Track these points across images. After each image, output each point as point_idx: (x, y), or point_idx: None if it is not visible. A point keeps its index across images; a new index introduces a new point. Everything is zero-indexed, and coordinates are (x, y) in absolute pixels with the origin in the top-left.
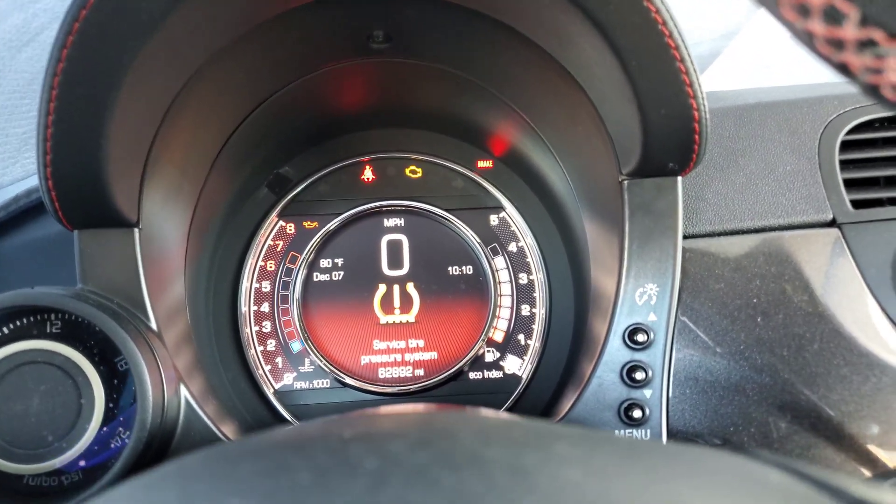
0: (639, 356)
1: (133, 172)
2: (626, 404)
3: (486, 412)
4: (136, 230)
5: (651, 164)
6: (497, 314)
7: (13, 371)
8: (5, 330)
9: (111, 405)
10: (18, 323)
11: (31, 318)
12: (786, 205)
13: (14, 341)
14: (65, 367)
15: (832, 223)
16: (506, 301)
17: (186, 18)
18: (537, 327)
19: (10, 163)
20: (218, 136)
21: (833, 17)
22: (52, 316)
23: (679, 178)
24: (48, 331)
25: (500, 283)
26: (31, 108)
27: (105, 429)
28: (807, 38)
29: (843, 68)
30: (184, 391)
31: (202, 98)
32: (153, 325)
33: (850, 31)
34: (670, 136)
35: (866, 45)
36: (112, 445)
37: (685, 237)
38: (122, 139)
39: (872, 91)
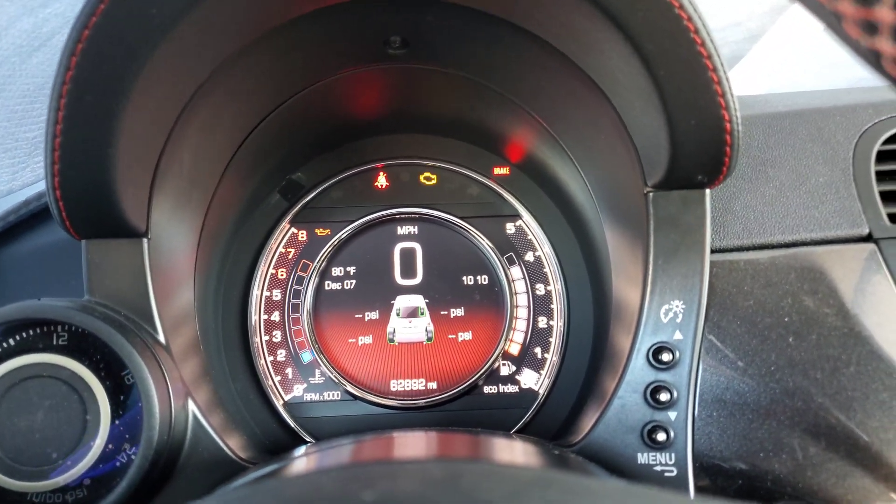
0: (663, 376)
1: (142, 181)
2: (649, 426)
3: (513, 460)
4: (144, 240)
5: (678, 175)
6: (513, 326)
7: (18, 385)
8: (11, 342)
9: (117, 421)
10: (24, 335)
11: (37, 331)
12: (818, 218)
13: (19, 354)
14: (70, 381)
15: (868, 238)
16: (522, 312)
17: (198, 24)
18: (555, 340)
19: (20, 167)
20: (230, 142)
21: None
22: (59, 328)
23: (707, 191)
24: (54, 343)
25: (516, 293)
26: (41, 113)
27: (110, 446)
28: (873, 58)
29: None
30: (191, 405)
31: (214, 104)
32: (161, 338)
33: None
34: (700, 148)
35: None
36: (118, 462)
37: (712, 251)
38: (131, 147)
39: None
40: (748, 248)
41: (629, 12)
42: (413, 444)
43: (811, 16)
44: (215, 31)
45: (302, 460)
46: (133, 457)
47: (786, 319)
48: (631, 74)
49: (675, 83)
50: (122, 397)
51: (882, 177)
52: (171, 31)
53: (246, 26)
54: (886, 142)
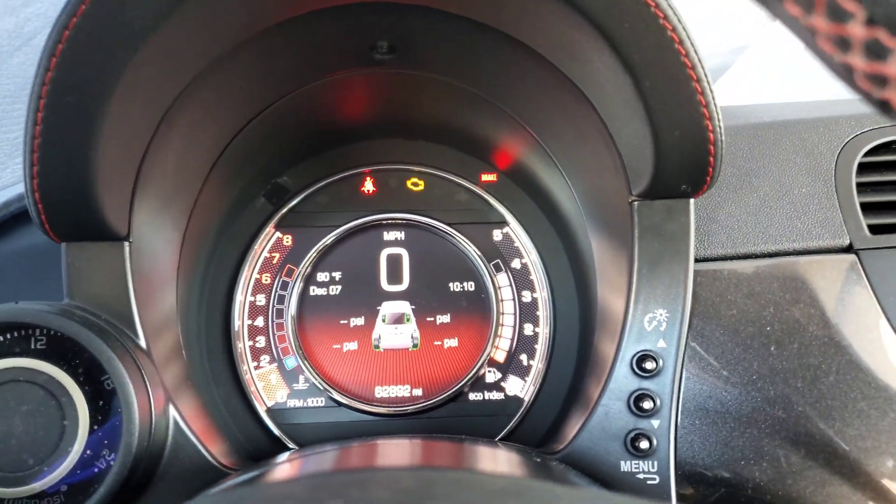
0: (647, 384)
1: (124, 184)
2: (632, 434)
3: (491, 469)
4: (126, 244)
5: (662, 185)
6: (499, 333)
7: None
8: None
9: (95, 426)
10: (1, 339)
11: (15, 334)
12: (801, 228)
13: None
14: (48, 386)
15: (849, 249)
16: (508, 319)
17: (181, 27)
18: (540, 347)
19: (0, 168)
20: (214, 145)
21: (876, 51)
22: (37, 332)
23: (691, 201)
24: (32, 347)
25: (502, 300)
26: (22, 114)
27: (89, 452)
28: (845, 73)
29: (885, 106)
30: (172, 411)
31: (198, 107)
32: (142, 343)
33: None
34: (684, 158)
35: None
36: (96, 468)
37: (696, 260)
38: (112, 150)
39: None
40: (732, 258)
41: (616, 23)
42: (395, 453)
43: (787, 31)
44: (199, 34)
45: (282, 468)
46: (112, 463)
47: (768, 329)
48: (617, 85)
49: (659, 94)
50: (101, 403)
51: (863, 188)
52: (154, 33)
53: (230, 30)
54: (867, 154)
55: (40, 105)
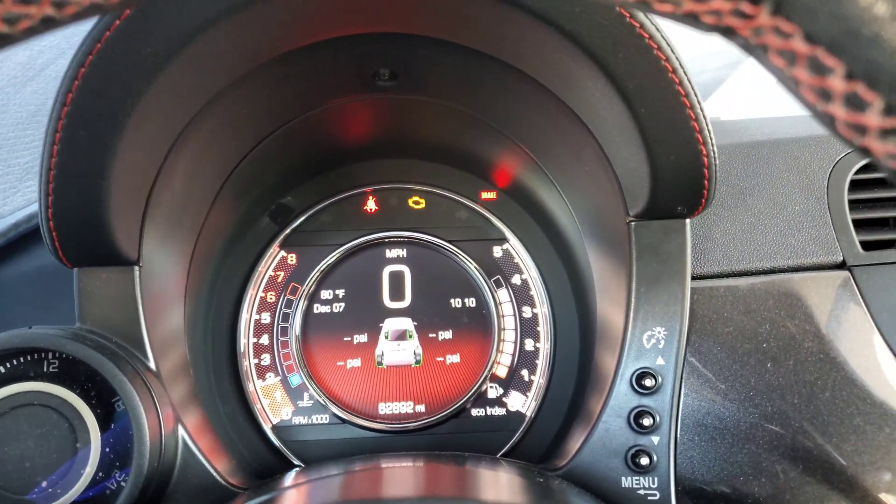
0: (646, 401)
1: (134, 211)
2: (633, 451)
3: (498, 498)
4: (136, 268)
5: (659, 206)
6: (500, 349)
7: (8, 414)
8: (1, 370)
9: (107, 448)
10: (15, 363)
11: (28, 358)
12: (795, 246)
13: (10, 382)
14: (61, 409)
15: (842, 265)
16: (509, 335)
17: (190, 61)
18: (541, 362)
19: (10, 193)
20: (221, 169)
21: (855, 103)
22: (50, 355)
23: (687, 221)
24: (45, 370)
25: (503, 316)
26: (33, 139)
27: (100, 473)
28: (827, 120)
29: (866, 152)
30: (181, 430)
31: (206, 134)
32: (151, 364)
33: (875, 118)
34: (679, 181)
35: (890, 133)
36: (107, 489)
37: (693, 278)
38: (124, 179)
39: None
40: (728, 275)
41: (610, 53)
42: (401, 476)
43: (773, 78)
44: (208, 66)
45: (292, 493)
46: (123, 483)
47: (764, 345)
48: (613, 111)
49: (654, 120)
50: (112, 424)
51: (855, 205)
52: (165, 68)
53: (238, 61)
54: (859, 171)
55: (56, 138)
